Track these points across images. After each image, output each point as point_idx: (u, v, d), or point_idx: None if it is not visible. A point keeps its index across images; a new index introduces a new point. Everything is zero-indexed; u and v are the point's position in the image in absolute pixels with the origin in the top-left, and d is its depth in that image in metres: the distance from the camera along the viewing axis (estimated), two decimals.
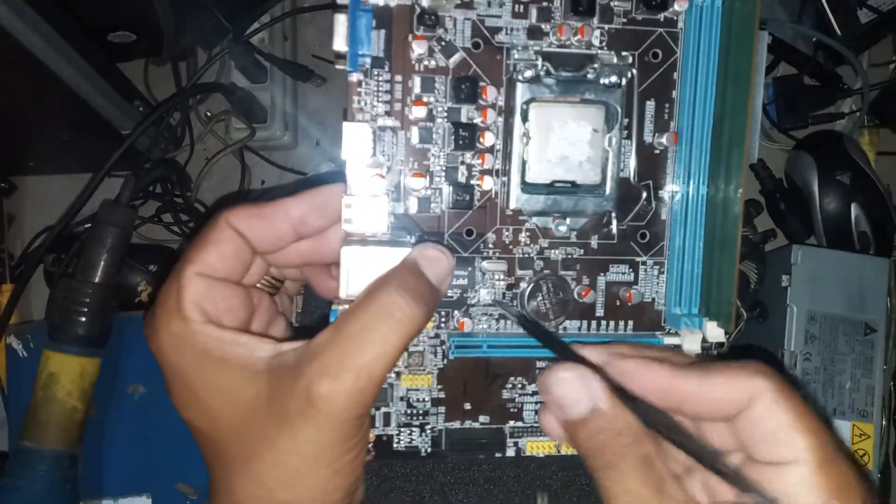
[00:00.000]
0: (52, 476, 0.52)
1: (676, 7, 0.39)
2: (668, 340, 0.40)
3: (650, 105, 0.40)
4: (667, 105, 0.41)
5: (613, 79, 0.39)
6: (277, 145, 0.75)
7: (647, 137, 0.41)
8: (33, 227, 0.71)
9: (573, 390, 0.33)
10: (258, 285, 0.40)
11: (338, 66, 0.38)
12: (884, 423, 0.60)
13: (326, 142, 0.74)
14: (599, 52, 0.39)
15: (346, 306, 0.34)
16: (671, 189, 0.41)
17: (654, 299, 0.42)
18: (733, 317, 0.38)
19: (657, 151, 0.41)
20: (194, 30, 0.64)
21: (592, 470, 0.33)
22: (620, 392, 0.33)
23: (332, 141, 0.74)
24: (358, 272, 0.35)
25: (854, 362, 0.60)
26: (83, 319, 0.54)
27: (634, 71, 0.40)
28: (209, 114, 0.73)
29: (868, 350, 0.60)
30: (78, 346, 0.54)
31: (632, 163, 0.41)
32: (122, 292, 0.62)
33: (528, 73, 0.39)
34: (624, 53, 0.39)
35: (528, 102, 0.39)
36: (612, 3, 0.39)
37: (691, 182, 0.40)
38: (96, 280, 0.54)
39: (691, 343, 0.40)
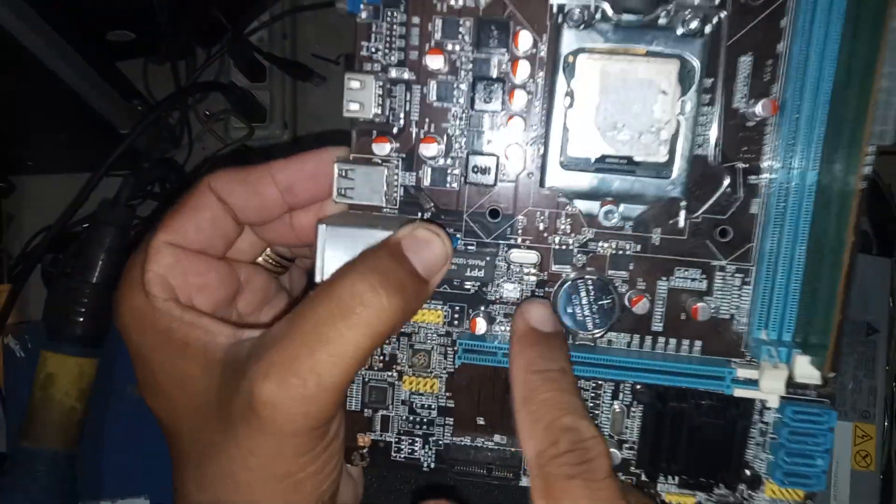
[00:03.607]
0: (51, 476, 0.52)
1: None
2: (744, 373, 0.31)
3: (745, 61, 0.30)
4: (769, 62, 0.30)
5: (695, 25, 0.30)
6: (277, 144, 0.72)
7: (738, 104, 0.31)
8: (31, 226, 0.70)
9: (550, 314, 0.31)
10: (260, 262, 0.36)
11: (338, 5, 0.31)
12: (886, 423, 0.59)
13: (326, 140, 0.69)
14: None
15: None
16: (767, 175, 0.31)
17: (732, 317, 0.32)
18: (830, 354, 0.28)
19: (751, 123, 0.31)
20: (193, 28, 0.62)
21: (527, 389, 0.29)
22: None
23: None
24: (336, 254, 0.30)
25: (856, 363, 0.58)
26: (81, 320, 0.52)
27: (724, 15, 0.30)
28: (208, 113, 0.70)
29: (870, 351, 0.59)
30: (76, 346, 0.53)
31: (713, 137, 0.31)
32: None
33: (578, 16, 0.30)
34: None
35: (574, 53, 0.30)
36: None
37: (796, 166, 0.30)
38: (94, 280, 0.52)
39: (772, 382, 0.30)
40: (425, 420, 0.34)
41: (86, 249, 0.52)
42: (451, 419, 0.34)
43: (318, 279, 0.30)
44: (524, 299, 0.33)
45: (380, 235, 0.29)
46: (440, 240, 0.29)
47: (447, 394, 0.34)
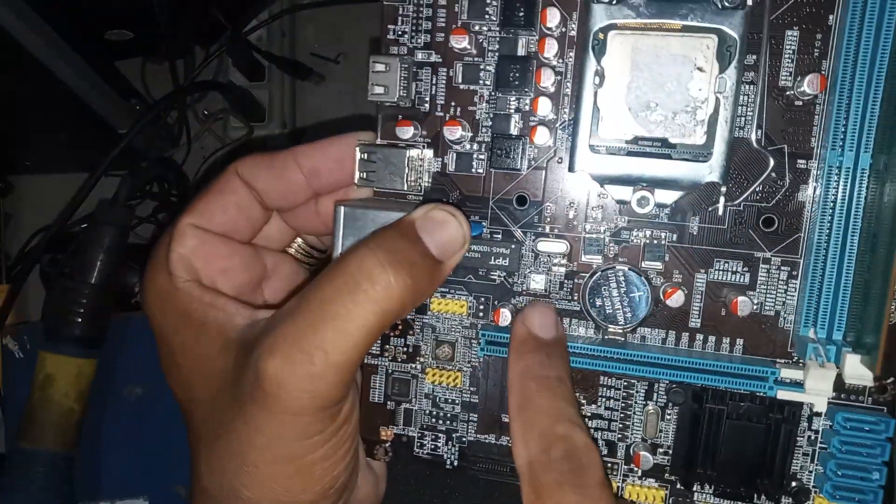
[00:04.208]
0: (49, 477, 0.52)
1: None
2: (788, 373, 0.28)
3: (792, 36, 0.28)
4: (818, 36, 0.28)
5: None
6: (276, 144, 0.71)
7: (785, 82, 0.28)
8: (30, 226, 0.70)
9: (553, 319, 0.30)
10: (290, 251, 0.35)
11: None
12: None
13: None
14: None
15: None
16: (816, 159, 0.28)
17: (778, 313, 0.29)
18: (881, 353, 0.25)
19: (799, 103, 0.28)
20: (192, 28, 0.62)
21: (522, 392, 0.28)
22: None
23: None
24: (353, 235, 0.29)
25: None
26: (80, 320, 0.53)
27: None
28: (206, 112, 0.71)
29: None
30: (74, 347, 0.53)
31: (756, 117, 0.29)
32: (119, 293, 0.60)
33: None
34: None
35: (604, 30, 0.29)
36: None
37: (848, 150, 0.27)
38: (93, 280, 0.52)
39: (818, 383, 0.27)
40: (448, 415, 0.33)
41: (84, 249, 0.53)
42: (475, 415, 0.33)
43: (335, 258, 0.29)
44: (531, 302, 0.31)
45: (396, 217, 0.28)
46: (456, 221, 0.28)
47: (471, 388, 0.32)
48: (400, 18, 0.31)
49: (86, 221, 0.59)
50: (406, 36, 0.31)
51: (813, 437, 0.29)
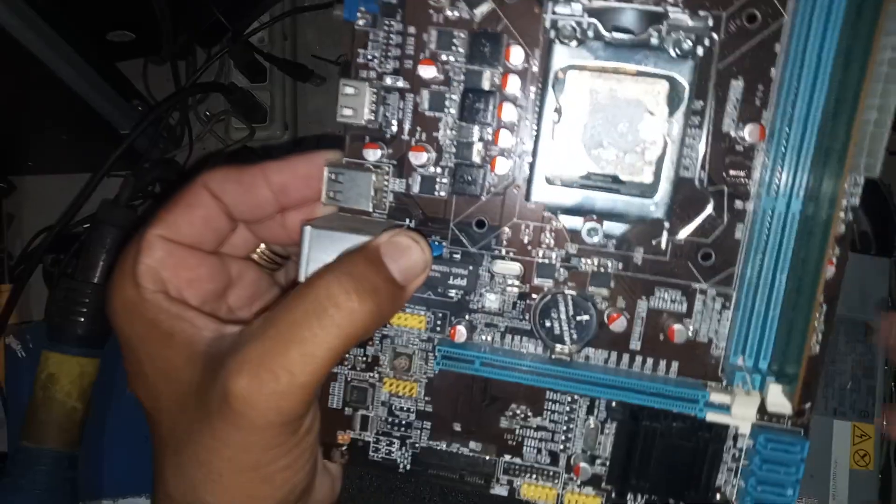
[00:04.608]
0: (52, 476, 0.53)
1: None
2: (717, 398, 0.31)
3: (736, 86, 0.30)
4: (760, 87, 0.30)
5: (686, 46, 0.30)
6: (277, 145, 0.72)
7: (727, 128, 0.30)
8: (32, 227, 0.70)
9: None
10: (254, 258, 0.37)
11: (335, 12, 0.32)
12: (884, 423, 0.59)
13: (326, 143, 0.69)
14: (671, 7, 0.30)
15: None
16: (753, 201, 0.31)
17: (711, 340, 0.32)
18: (800, 386, 0.28)
19: (739, 148, 0.31)
20: (193, 29, 0.62)
21: None
22: None
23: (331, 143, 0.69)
24: (319, 256, 0.30)
25: (855, 363, 0.58)
26: (82, 320, 0.53)
27: (717, 37, 0.30)
28: (208, 113, 0.71)
29: (869, 350, 0.58)
30: (77, 346, 0.53)
31: (699, 159, 0.31)
32: None
33: (570, 33, 0.30)
34: (704, 13, 0.30)
35: (564, 70, 0.31)
36: None
37: (781, 194, 0.30)
38: (95, 280, 0.53)
39: (743, 409, 0.30)
40: (403, 422, 0.35)
41: (87, 249, 0.53)
42: (429, 423, 0.35)
43: (301, 279, 0.30)
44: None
45: (362, 240, 0.30)
46: (419, 247, 0.30)
47: (426, 398, 0.34)
48: (370, 44, 0.32)
49: (88, 222, 0.59)
50: (375, 61, 0.32)
51: (737, 455, 0.32)
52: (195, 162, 0.70)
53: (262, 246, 0.37)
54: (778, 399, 0.29)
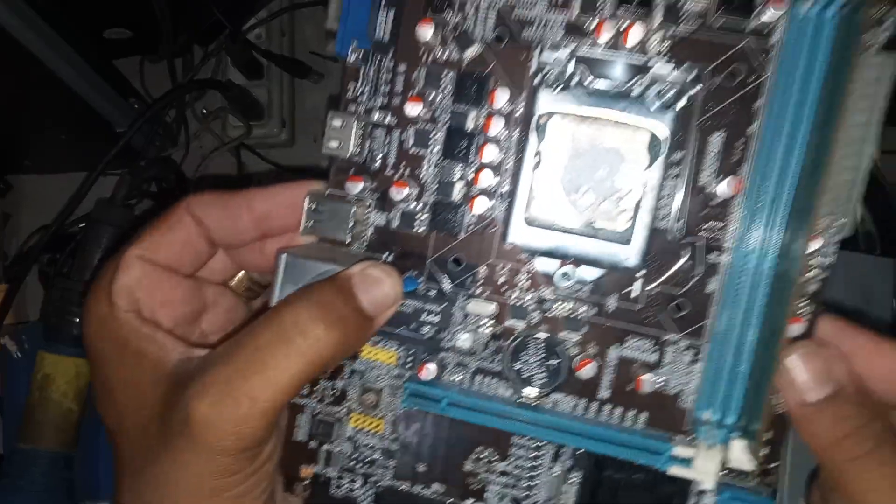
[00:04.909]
0: (49, 477, 0.52)
1: (768, 15, 0.29)
2: (680, 451, 0.30)
3: (716, 139, 0.31)
4: (739, 142, 0.30)
5: (668, 98, 0.30)
6: (274, 143, 0.72)
7: (705, 181, 0.31)
8: (28, 226, 0.70)
9: (812, 370, 0.29)
10: (231, 285, 0.37)
11: (329, 49, 0.33)
12: None
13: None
14: (654, 60, 0.30)
15: None
16: (727, 254, 0.31)
17: (679, 392, 0.32)
18: (760, 443, 0.27)
19: (715, 201, 0.31)
20: (190, 26, 0.62)
21: (831, 463, 0.29)
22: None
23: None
24: (292, 284, 0.30)
25: None
26: (78, 320, 0.53)
27: (699, 92, 0.30)
28: (205, 111, 0.71)
29: None
30: (73, 346, 0.53)
31: (675, 210, 0.31)
32: None
33: (555, 79, 0.31)
34: (687, 66, 0.30)
35: (547, 115, 0.31)
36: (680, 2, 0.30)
37: (756, 249, 0.30)
38: (91, 280, 0.52)
39: (705, 463, 0.29)
40: (367, 459, 0.34)
41: (83, 249, 0.53)
42: (393, 462, 0.34)
43: (271, 305, 0.30)
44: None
45: (336, 270, 0.30)
46: (391, 280, 0.30)
47: (392, 436, 0.34)
48: (361, 79, 0.33)
49: (85, 221, 0.59)
50: (364, 96, 0.33)
51: None
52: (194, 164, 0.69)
53: (241, 273, 0.37)
54: (739, 455, 0.29)
